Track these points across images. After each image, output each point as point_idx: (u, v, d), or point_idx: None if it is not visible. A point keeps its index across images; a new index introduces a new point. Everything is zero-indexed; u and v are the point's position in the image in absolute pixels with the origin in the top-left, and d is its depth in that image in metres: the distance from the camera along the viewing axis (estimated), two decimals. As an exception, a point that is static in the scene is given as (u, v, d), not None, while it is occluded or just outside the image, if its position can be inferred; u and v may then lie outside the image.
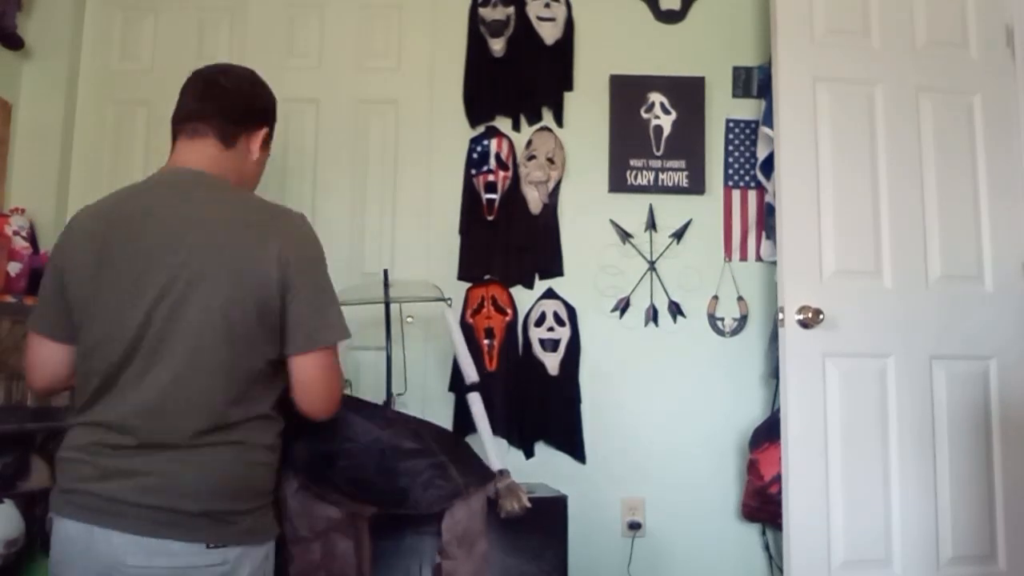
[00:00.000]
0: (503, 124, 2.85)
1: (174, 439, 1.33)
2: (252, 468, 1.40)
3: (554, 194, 2.80)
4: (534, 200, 2.77)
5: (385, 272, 2.46)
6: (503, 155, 2.77)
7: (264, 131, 1.60)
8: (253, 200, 1.50)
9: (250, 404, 1.39)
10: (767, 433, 2.50)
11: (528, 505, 2.00)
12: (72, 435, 1.41)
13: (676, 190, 2.83)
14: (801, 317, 2.32)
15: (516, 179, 2.79)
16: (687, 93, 2.86)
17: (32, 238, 2.58)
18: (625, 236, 2.81)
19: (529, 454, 2.71)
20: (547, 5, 2.86)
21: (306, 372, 1.43)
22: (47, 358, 1.53)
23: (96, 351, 1.39)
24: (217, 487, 1.34)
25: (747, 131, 2.86)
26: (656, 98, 2.86)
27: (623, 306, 2.79)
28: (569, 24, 2.88)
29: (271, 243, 1.39)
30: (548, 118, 2.86)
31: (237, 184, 1.53)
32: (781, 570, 2.43)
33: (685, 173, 2.84)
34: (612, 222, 2.82)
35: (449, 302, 2.42)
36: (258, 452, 1.41)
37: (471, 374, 2.33)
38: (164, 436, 1.33)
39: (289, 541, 1.76)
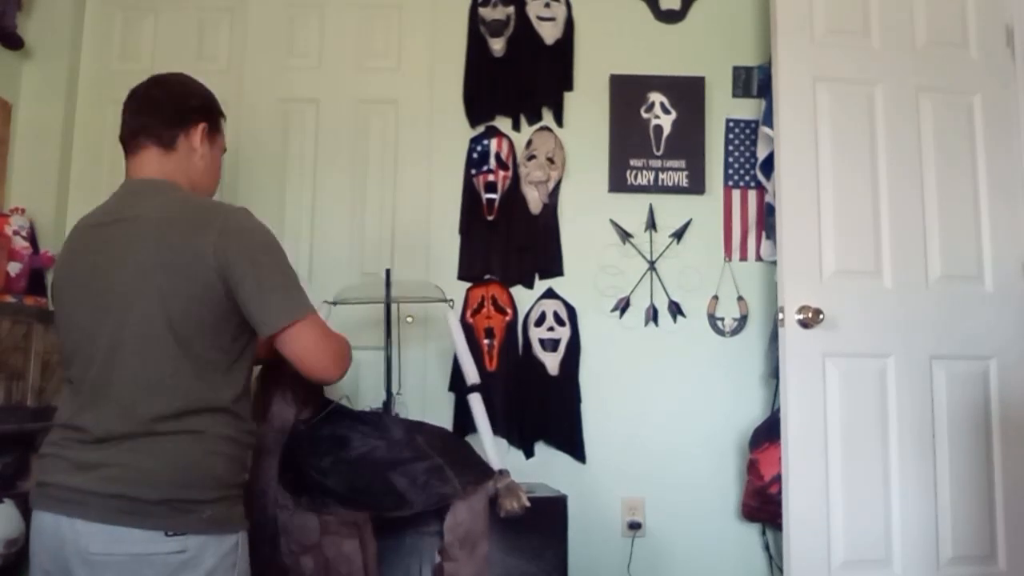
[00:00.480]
0: (503, 124, 2.85)
1: (130, 429, 1.40)
2: (212, 457, 1.44)
3: (554, 194, 2.80)
4: (534, 200, 2.77)
5: (387, 272, 2.46)
6: (503, 155, 2.77)
7: (202, 126, 1.63)
8: (192, 200, 1.56)
9: (205, 394, 1.44)
10: (767, 433, 2.50)
11: (528, 505, 2.00)
12: (49, 435, 1.51)
13: (676, 190, 2.83)
14: (801, 317, 2.32)
15: (516, 179, 2.79)
16: (687, 93, 2.86)
17: (32, 238, 2.58)
18: (625, 236, 2.81)
19: (529, 454, 2.71)
20: (547, 5, 2.86)
21: (289, 349, 1.51)
22: None
23: (69, 362, 1.52)
24: (175, 475, 1.39)
25: (747, 131, 2.86)
26: (656, 98, 2.86)
27: (623, 306, 2.79)
28: (569, 24, 2.88)
29: (206, 236, 1.44)
30: (548, 118, 2.86)
31: (189, 183, 1.61)
32: (781, 570, 2.43)
33: (685, 173, 2.84)
34: (612, 222, 2.82)
35: (451, 304, 2.42)
36: (219, 443, 1.45)
37: (472, 375, 2.33)
38: (123, 428, 1.40)
39: (283, 555, 1.79)
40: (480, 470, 2.04)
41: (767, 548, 2.69)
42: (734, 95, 2.89)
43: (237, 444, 1.50)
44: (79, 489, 1.38)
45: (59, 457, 1.44)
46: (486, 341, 2.69)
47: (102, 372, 1.44)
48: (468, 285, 2.77)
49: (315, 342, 1.53)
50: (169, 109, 1.61)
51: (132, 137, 1.61)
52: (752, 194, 2.84)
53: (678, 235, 2.82)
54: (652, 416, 2.74)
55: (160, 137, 1.59)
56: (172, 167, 1.60)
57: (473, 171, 2.79)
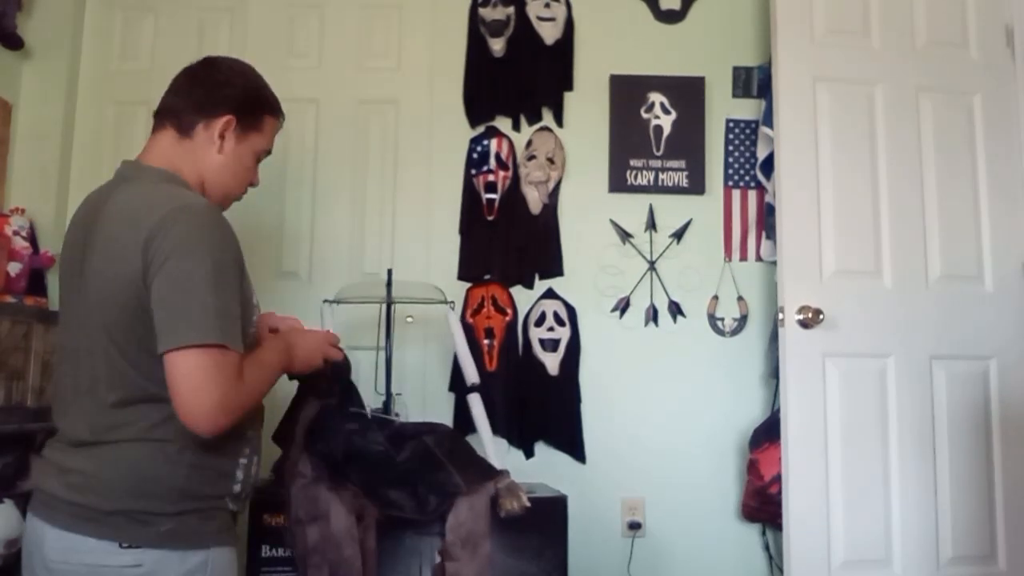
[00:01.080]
0: (503, 124, 2.85)
1: (93, 435, 1.32)
2: (174, 467, 1.32)
3: (554, 194, 2.80)
4: (534, 200, 2.77)
5: (389, 272, 2.47)
6: (503, 155, 2.77)
7: (226, 119, 1.49)
8: (158, 192, 1.38)
9: (157, 403, 1.30)
10: (767, 433, 2.50)
11: (528, 505, 2.00)
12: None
13: (676, 190, 2.83)
14: (801, 317, 2.32)
15: (516, 179, 2.79)
16: (687, 93, 2.86)
17: (32, 238, 2.58)
18: (625, 236, 2.81)
19: (529, 454, 2.71)
20: (547, 5, 2.86)
21: (167, 374, 1.26)
22: None
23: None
24: (131, 484, 1.30)
25: (747, 131, 2.86)
26: (656, 98, 2.86)
27: (623, 306, 2.79)
28: (569, 24, 2.88)
29: (141, 232, 1.28)
30: (548, 118, 2.86)
31: (197, 178, 1.48)
32: (781, 570, 2.43)
33: (685, 173, 2.84)
34: (612, 222, 2.82)
35: (452, 305, 2.42)
36: (186, 453, 1.32)
37: (472, 376, 2.33)
38: (87, 433, 1.33)
39: (291, 522, 1.78)
40: (482, 469, 2.04)
41: (767, 548, 2.69)
42: (734, 95, 2.89)
43: (214, 454, 1.35)
44: (50, 494, 1.34)
45: (45, 459, 1.41)
46: (486, 341, 2.69)
47: (71, 373, 1.38)
48: (468, 285, 2.77)
49: (196, 378, 1.25)
50: (200, 93, 1.51)
51: (157, 115, 1.51)
52: (752, 194, 2.84)
53: (678, 235, 2.82)
54: (652, 416, 2.74)
55: (179, 120, 1.48)
56: (182, 156, 1.46)
57: (473, 171, 2.79)
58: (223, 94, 1.52)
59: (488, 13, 2.84)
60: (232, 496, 1.41)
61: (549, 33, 2.85)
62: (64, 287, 1.45)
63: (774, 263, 2.58)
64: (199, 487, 1.35)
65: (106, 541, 1.28)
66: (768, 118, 2.61)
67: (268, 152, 1.64)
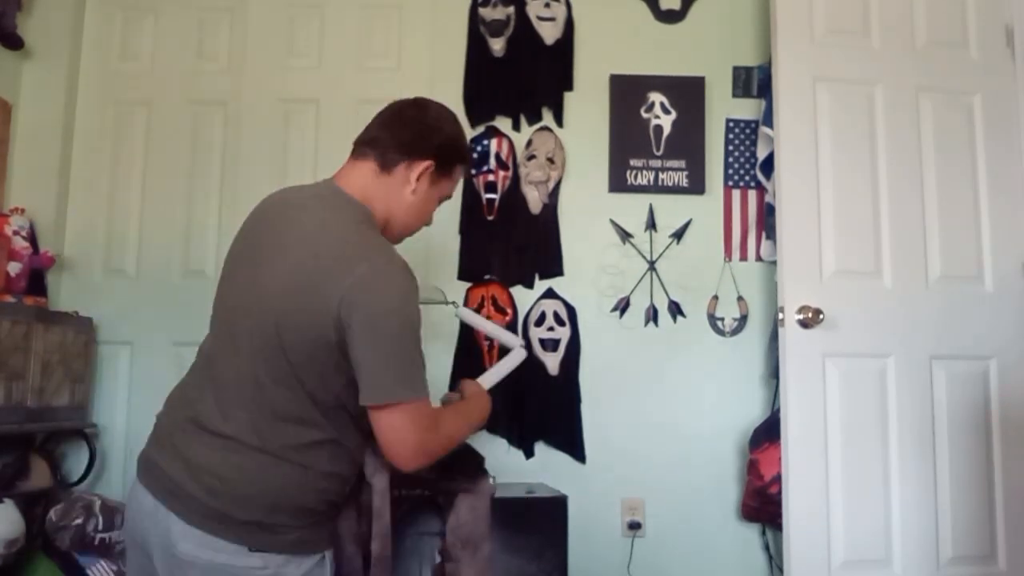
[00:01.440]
0: (503, 124, 2.85)
1: (225, 429, 1.40)
2: (310, 493, 1.43)
3: (554, 194, 2.80)
4: (534, 200, 2.77)
5: (389, 272, 2.46)
6: (503, 155, 2.77)
7: (427, 164, 1.56)
8: (355, 234, 1.47)
9: (309, 427, 1.42)
10: (767, 433, 2.50)
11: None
12: (172, 408, 1.51)
13: (676, 190, 2.83)
14: (801, 317, 2.32)
15: (516, 179, 2.79)
16: (687, 93, 2.86)
17: (32, 238, 2.58)
18: (625, 236, 2.81)
19: (529, 454, 2.71)
20: (547, 5, 2.86)
21: (376, 425, 1.41)
22: None
23: (213, 326, 1.56)
24: (266, 501, 1.38)
25: (747, 131, 2.86)
26: (656, 98, 2.86)
27: (623, 306, 2.79)
28: (569, 24, 2.88)
29: (341, 281, 1.37)
30: (548, 118, 2.86)
31: (386, 213, 1.56)
32: (781, 570, 2.43)
33: (685, 173, 2.84)
34: (612, 222, 2.82)
35: (455, 304, 2.42)
36: (320, 479, 1.44)
37: (512, 341, 2.24)
38: (221, 426, 1.40)
39: None
40: (477, 465, 2.04)
41: (767, 548, 2.69)
42: (734, 95, 2.89)
43: (338, 479, 1.48)
44: (184, 490, 1.38)
45: (168, 440, 1.44)
46: (486, 341, 2.69)
47: (231, 361, 1.43)
48: (468, 285, 2.77)
49: (403, 431, 1.40)
50: (408, 134, 1.58)
51: (361, 143, 1.61)
52: (752, 194, 2.84)
53: (678, 235, 2.82)
54: (652, 416, 2.74)
55: (383, 155, 1.56)
56: (379, 191, 1.55)
57: (473, 171, 2.79)
58: (430, 140, 1.59)
59: (488, 13, 2.84)
60: (336, 505, 1.54)
61: (549, 33, 2.85)
62: (234, 274, 1.52)
63: (774, 263, 2.58)
64: (321, 506, 1.46)
65: (236, 544, 1.36)
66: (768, 118, 2.61)
67: (449, 197, 1.70)
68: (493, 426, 2.39)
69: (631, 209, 2.82)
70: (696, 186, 2.83)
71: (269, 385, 1.40)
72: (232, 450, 1.39)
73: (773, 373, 2.62)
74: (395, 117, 1.62)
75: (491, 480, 2.04)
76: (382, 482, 1.70)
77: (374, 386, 1.38)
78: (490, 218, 2.75)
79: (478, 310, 2.71)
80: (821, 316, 2.32)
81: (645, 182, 2.83)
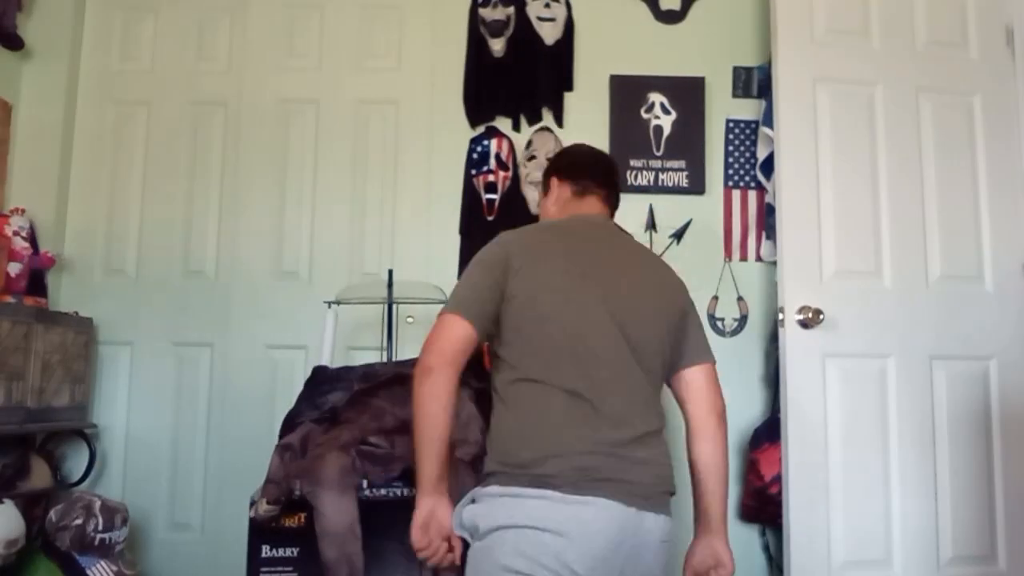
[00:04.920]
0: (503, 124, 2.85)
1: (639, 428, 1.60)
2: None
3: (554, 194, 2.80)
4: (534, 200, 2.77)
5: (390, 272, 2.46)
6: (503, 155, 2.77)
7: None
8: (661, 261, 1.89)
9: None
10: (767, 433, 2.50)
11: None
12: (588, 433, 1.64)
13: (676, 190, 2.83)
14: (801, 317, 2.32)
15: (516, 179, 2.79)
16: (687, 93, 2.86)
17: (32, 238, 2.58)
18: (625, 236, 2.81)
19: (529, 454, 2.71)
20: (547, 5, 2.86)
21: (705, 380, 1.75)
22: None
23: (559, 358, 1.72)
24: (671, 469, 1.64)
25: (747, 131, 2.86)
26: (656, 98, 2.86)
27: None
28: (569, 24, 2.88)
29: (683, 291, 1.81)
30: (548, 118, 2.86)
31: None
32: (781, 570, 2.43)
33: (685, 173, 2.84)
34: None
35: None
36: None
37: None
38: (636, 427, 1.61)
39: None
40: None
41: (767, 548, 2.69)
42: (734, 95, 2.89)
43: None
44: (645, 484, 1.55)
45: (615, 454, 1.55)
46: (486, 341, 2.68)
47: (620, 371, 1.61)
48: (468, 285, 2.76)
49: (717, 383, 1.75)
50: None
51: (600, 186, 1.87)
52: (752, 194, 2.84)
53: (678, 235, 2.82)
54: (652, 416, 2.74)
55: (610, 203, 1.89)
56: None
57: (473, 171, 2.78)
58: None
59: (488, 13, 2.84)
60: None
61: (549, 33, 2.85)
62: (585, 287, 1.66)
63: (774, 263, 2.58)
64: None
65: (669, 517, 1.59)
66: (768, 118, 2.61)
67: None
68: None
69: (631, 209, 2.81)
70: (696, 186, 2.83)
71: (653, 382, 1.70)
72: (647, 438, 1.60)
73: (773, 373, 2.62)
74: (610, 169, 1.94)
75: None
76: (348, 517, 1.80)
77: (704, 350, 1.79)
78: (490, 218, 2.75)
79: (478, 310, 2.71)
80: (821, 316, 2.32)
81: (645, 182, 2.83)
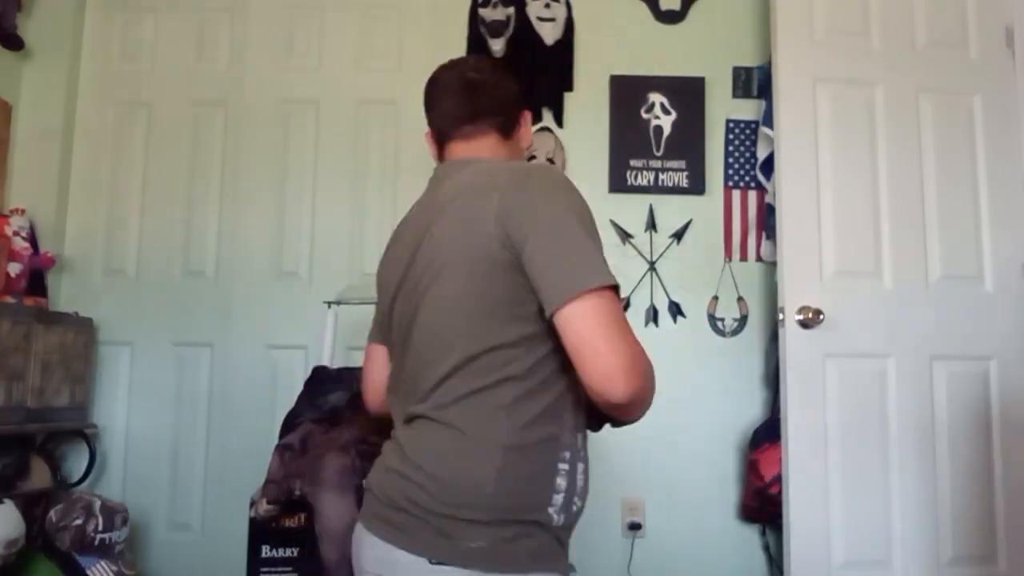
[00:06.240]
0: (503, 124, 2.85)
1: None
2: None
3: (554, 194, 2.80)
4: (534, 200, 2.77)
5: (388, 273, 2.46)
6: (503, 155, 2.77)
7: (526, 112, 1.54)
8: (495, 164, 1.34)
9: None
10: (767, 433, 2.50)
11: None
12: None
13: (676, 190, 2.83)
14: (801, 317, 2.32)
15: (516, 179, 2.78)
16: (687, 93, 2.86)
17: (32, 238, 2.58)
18: (625, 236, 2.81)
19: (529, 454, 2.71)
20: (547, 5, 2.86)
21: (565, 336, 1.19)
22: None
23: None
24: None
25: (747, 131, 2.86)
26: (656, 98, 2.86)
27: (623, 306, 2.78)
28: (569, 24, 2.88)
29: (489, 203, 1.22)
30: (548, 118, 2.86)
31: None
32: (781, 570, 2.43)
33: (685, 173, 2.84)
34: (612, 222, 2.81)
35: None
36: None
37: None
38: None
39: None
40: None
41: (767, 548, 2.69)
42: (734, 95, 2.89)
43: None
44: None
45: None
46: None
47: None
48: (468, 285, 2.76)
49: (598, 328, 1.18)
50: (503, 90, 1.55)
51: (460, 122, 1.45)
52: (752, 194, 2.84)
53: (678, 235, 2.82)
54: (652, 416, 2.72)
55: (504, 124, 1.48)
56: (503, 153, 1.46)
57: (473, 171, 2.78)
58: (517, 89, 1.56)
59: (488, 13, 2.84)
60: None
61: (549, 33, 2.85)
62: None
63: (774, 263, 2.58)
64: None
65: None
66: (768, 118, 2.61)
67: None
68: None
69: (631, 209, 2.82)
70: (696, 186, 2.83)
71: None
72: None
73: (773, 373, 2.61)
74: (471, 86, 1.47)
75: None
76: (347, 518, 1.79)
77: (556, 285, 1.25)
78: (490, 218, 2.75)
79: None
80: (821, 316, 2.32)
81: (645, 182, 2.83)
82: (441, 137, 1.47)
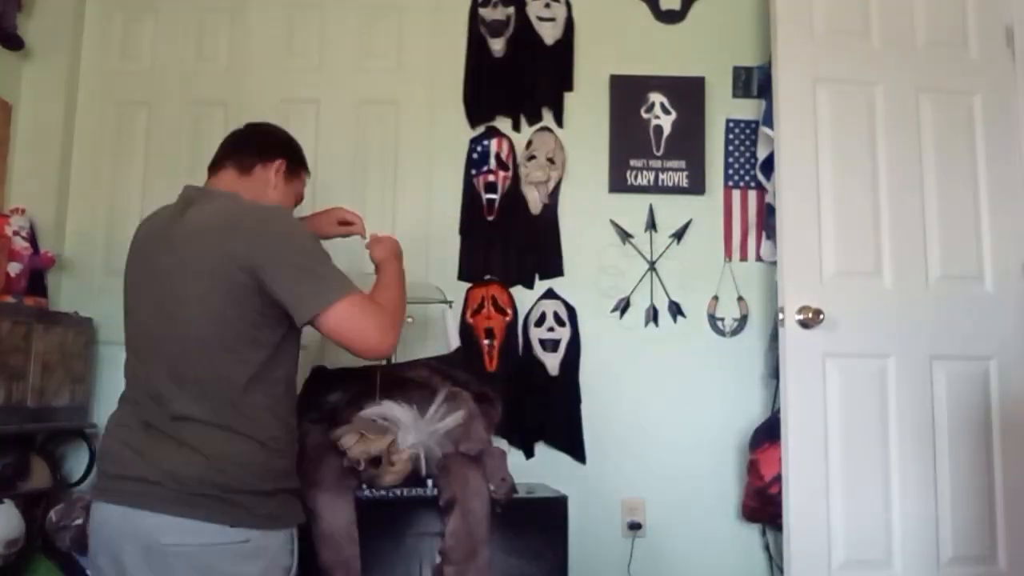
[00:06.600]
0: (503, 124, 2.85)
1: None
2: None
3: (554, 194, 2.80)
4: (534, 200, 2.77)
5: (390, 272, 2.46)
6: (503, 155, 2.77)
7: (280, 162, 1.79)
8: (235, 202, 1.64)
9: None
10: (767, 433, 2.50)
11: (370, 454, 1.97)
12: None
13: (676, 190, 2.83)
14: (801, 317, 2.32)
15: (516, 179, 2.79)
16: (687, 93, 2.86)
17: (32, 238, 2.58)
18: (625, 236, 2.81)
19: (529, 454, 2.71)
20: (547, 5, 2.86)
21: (327, 333, 1.59)
22: None
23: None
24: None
25: (747, 131, 2.86)
26: (656, 98, 2.86)
27: (623, 306, 2.79)
28: (569, 24, 2.88)
29: (235, 242, 1.56)
30: (548, 118, 2.86)
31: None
32: (781, 570, 2.43)
33: (685, 173, 2.84)
34: (612, 222, 2.82)
35: (451, 304, 2.42)
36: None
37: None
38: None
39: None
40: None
41: (767, 548, 2.69)
42: (734, 95, 2.89)
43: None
44: None
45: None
46: (486, 341, 2.69)
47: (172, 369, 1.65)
48: (468, 285, 2.77)
49: (350, 321, 1.57)
50: (255, 140, 1.84)
51: (213, 166, 1.78)
52: (752, 194, 2.84)
53: (678, 235, 2.82)
54: (652, 416, 2.74)
55: (240, 162, 1.75)
56: (241, 190, 1.72)
57: (473, 171, 2.79)
58: (277, 140, 1.86)
59: (488, 13, 2.84)
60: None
61: (549, 33, 2.85)
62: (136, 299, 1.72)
63: (774, 263, 2.58)
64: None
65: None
66: (768, 118, 2.61)
67: (301, 201, 1.95)
68: (495, 427, 2.40)
69: (631, 209, 2.82)
70: (696, 186, 2.83)
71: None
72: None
73: (773, 373, 2.61)
74: (235, 137, 1.82)
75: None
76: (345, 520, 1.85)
77: (305, 302, 1.60)
78: (490, 219, 2.75)
79: (478, 310, 2.72)
80: (821, 316, 2.32)
81: (645, 182, 2.83)
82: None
